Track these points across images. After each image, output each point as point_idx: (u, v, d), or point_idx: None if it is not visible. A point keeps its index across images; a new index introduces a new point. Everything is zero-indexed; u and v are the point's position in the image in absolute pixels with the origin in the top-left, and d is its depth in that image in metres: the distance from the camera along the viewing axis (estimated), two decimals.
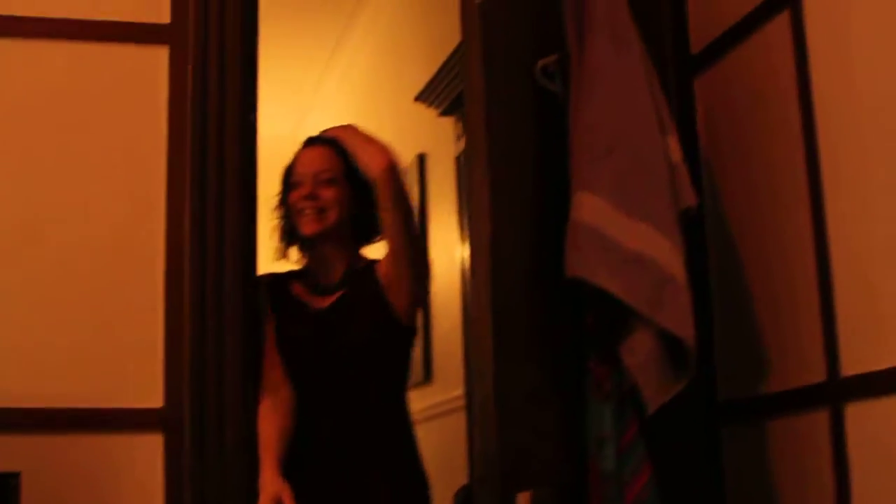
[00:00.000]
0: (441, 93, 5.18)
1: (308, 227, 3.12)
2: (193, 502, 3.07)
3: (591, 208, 2.83)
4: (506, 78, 2.80)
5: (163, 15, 3.45)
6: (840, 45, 2.88)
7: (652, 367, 2.82)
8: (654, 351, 2.83)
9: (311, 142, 3.25)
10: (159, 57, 3.44)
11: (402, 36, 6.13)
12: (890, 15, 2.71)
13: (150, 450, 3.21)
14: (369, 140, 3.12)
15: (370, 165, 3.05)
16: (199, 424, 3.12)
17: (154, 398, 3.29)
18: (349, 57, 7.21)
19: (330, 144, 3.19)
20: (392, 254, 3.05)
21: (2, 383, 3.20)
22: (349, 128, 3.21)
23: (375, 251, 3.19)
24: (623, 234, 2.83)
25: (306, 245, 3.23)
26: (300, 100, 8.08)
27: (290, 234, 3.25)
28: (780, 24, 3.08)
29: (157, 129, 3.38)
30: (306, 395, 3.07)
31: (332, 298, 3.13)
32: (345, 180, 3.15)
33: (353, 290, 3.11)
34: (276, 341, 3.13)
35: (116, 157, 3.37)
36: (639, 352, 2.82)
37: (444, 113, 5.23)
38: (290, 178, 3.20)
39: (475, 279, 2.69)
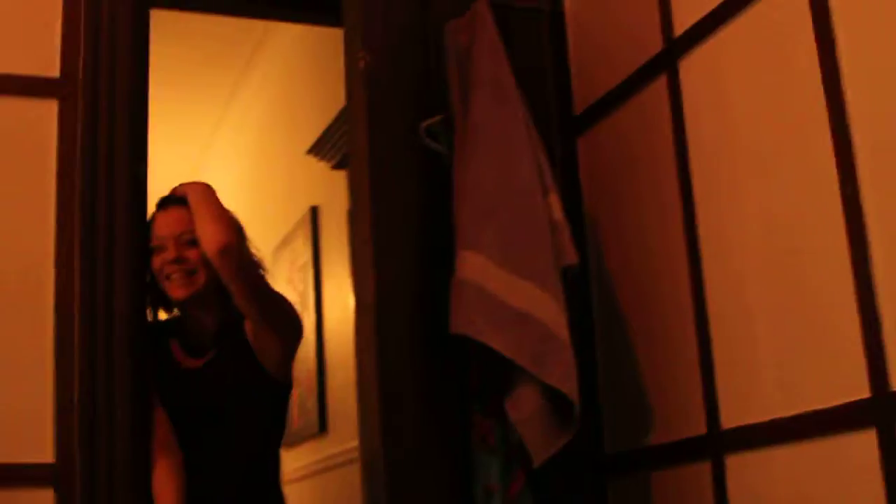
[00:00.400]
0: (333, 146, 5.21)
1: (178, 292, 3.08)
2: None
3: (474, 266, 2.87)
4: (390, 138, 2.83)
5: (53, 68, 3.43)
6: (715, 106, 2.97)
7: (537, 421, 2.87)
8: (539, 405, 2.87)
9: (165, 203, 3.19)
10: (49, 110, 3.42)
11: (294, 90, 6.15)
12: (762, 77, 2.80)
13: None
14: (209, 213, 3.07)
15: (205, 246, 3.01)
16: (90, 480, 3.10)
17: (45, 453, 3.26)
18: (242, 109, 7.22)
19: (181, 204, 3.14)
20: (250, 321, 3.05)
21: None
22: (197, 190, 3.14)
23: None
24: (506, 291, 2.87)
25: (176, 306, 3.20)
26: (194, 152, 8.06)
27: (157, 298, 3.22)
28: (658, 87, 3.17)
29: (45, 182, 3.35)
30: (188, 453, 3.06)
31: (205, 359, 3.13)
32: None
33: (225, 348, 3.11)
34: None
35: (3, 209, 3.35)
36: (524, 407, 2.86)
37: (337, 166, 5.25)
38: (150, 243, 3.14)
39: (359, 337, 2.72)
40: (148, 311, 3.23)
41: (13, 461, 3.24)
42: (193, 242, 3.06)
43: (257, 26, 6.31)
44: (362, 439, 2.72)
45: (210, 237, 2.99)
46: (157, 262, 3.11)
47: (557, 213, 3.06)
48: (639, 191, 3.28)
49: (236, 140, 7.44)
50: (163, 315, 3.30)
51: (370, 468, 2.70)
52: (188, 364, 3.14)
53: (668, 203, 3.10)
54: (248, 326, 3.07)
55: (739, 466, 2.85)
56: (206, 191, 3.14)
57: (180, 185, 3.22)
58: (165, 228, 3.12)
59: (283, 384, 3.13)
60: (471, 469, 2.91)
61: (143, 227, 3.24)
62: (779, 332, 2.72)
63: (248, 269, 3.06)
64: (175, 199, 3.18)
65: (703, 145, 3.00)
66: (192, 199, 3.11)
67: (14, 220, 3.35)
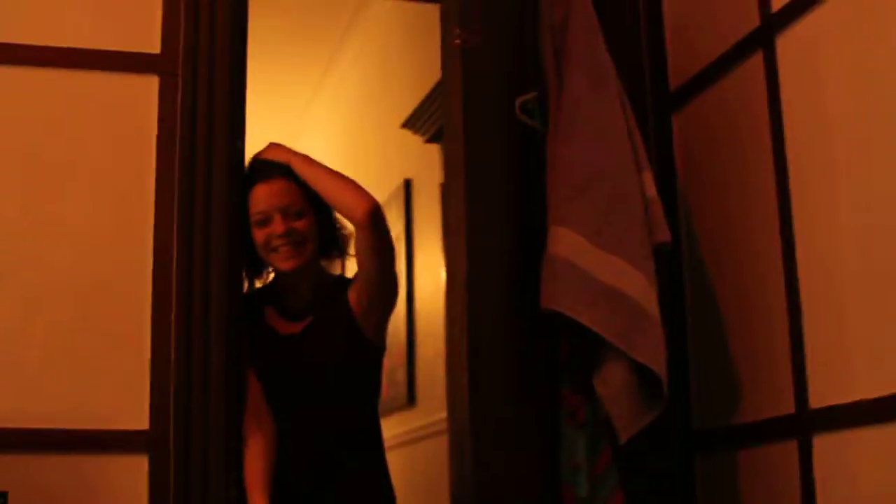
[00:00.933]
0: (427, 120, 5.24)
1: (287, 264, 3.08)
2: None
3: (566, 242, 2.88)
4: (484, 114, 2.84)
5: (153, 45, 3.49)
6: (811, 84, 2.95)
7: (624, 397, 2.88)
8: (627, 382, 2.88)
9: (264, 175, 3.16)
10: (149, 86, 3.47)
11: (389, 63, 6.18)
12: (859, 55, 2.78)
13: (135, 471, 3.24)
14: (336, 179, 3.10)
15: (353, 211, 3.02)
16: (184, 447, 3.16)
17: (140, 420, 3.32)
18: (338, 82, 7.26)
19: (284, 175, 3.13)
20: (369, 288, 3.06)
21: None
22: (298, 158, 3.15)
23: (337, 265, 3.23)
24: (598, 268, 2.88)
25: (276, 274, 3.21)
26: (290, 124, 8.12)
27: (253, 268, 3.24)
28: (754, 64, 3.15)
29: (145, 157, 3.41)
30: (281, 420, 3.10)
31: (303, 324, 3.14)
32: (308, 207, 3.10)
33: (323, 313, 3.12)
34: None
35: (105, 184, 3.40)
36: (612, 383, 2.87)
37: (430, 140, 5.28)
38: (249, 215, 3.14)
39: (450, 311, 2.75)
40: (243, 281, 3.24)
41: (109, 427, 3.32)
42: (300, 214, 3.07)
43: None
44: (450, 412, 2.75)
45: (354, 204, 3.02)
46: (261, 235, 3.10)
47: (651, 190, 3.06)
48: (733, 169, 3.26)
49: (331, 112, 7.50)
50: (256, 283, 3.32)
51: (458, 441, 2.73)
52: (285, 330, 3.16)
53: (763, 182, 3.09)
54: (356, 288, 3.08)
55: (827, 446, 2.85)
56: (306, 157, 3.15)
57: (266, 151, 3.23)
58: (270, 200, 3.10)
59: (379, 347, 3.13)
60: (558, 445, 2.93)
61: (241, 201, 3.28)
62: (870, 313, 2.71)
63: (388, 237, 3.06)
64: (275, 170, 3.16)
65: (799, 124, 2.99)
66: (303, 169, 3.12)
67: (114, 193, 3.42)
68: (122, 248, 3.39)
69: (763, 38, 3.12)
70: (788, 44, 3.04)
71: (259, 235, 3.11)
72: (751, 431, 3.14)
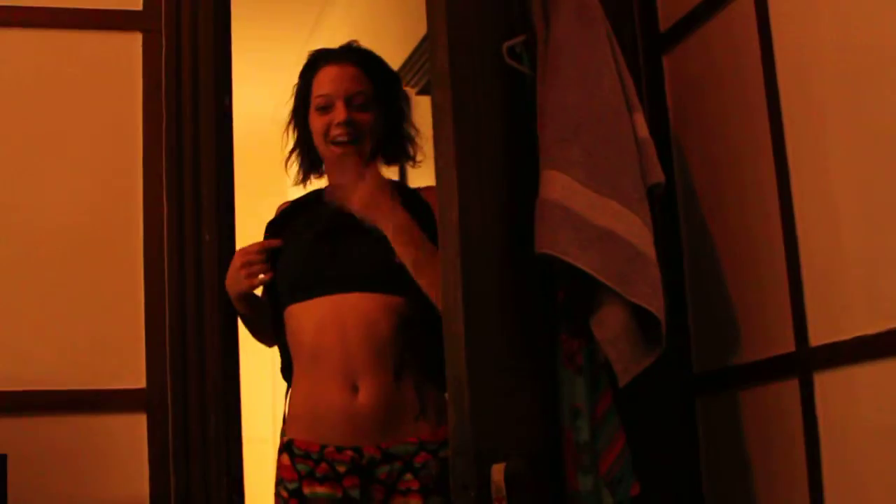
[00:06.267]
0: (417, 72, 5.21)
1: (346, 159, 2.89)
2: (178, 481, 3.12)
3: (559, 186, 2.86)
4: (471, 60, 2.81)
5: (135, 2, 3.47)
6: (803, 21, 2.91)
7: (623, 340, 2.86)
8: (625, 325, 2.87)
9: (336, 58, 2.97)
10: (133, 43, 3.46)
11: (379, 15, 6.15)
12: None
13: (134, 430, 3.26)
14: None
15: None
16: (182, 404, 3.17)
17: (137, 379, 3.33)
18: (327, 37, 7.22)
19: (357, 62, 2.94)
20: None
21: None
22: (398, 222, 2.86)
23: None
24: (592, 210, 2.86)
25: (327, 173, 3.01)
26: (280, 82, 8.06)
27: (310, 160, 3.04)
28: (744, 2, 3.12)
29: (132, 115, 3.41)
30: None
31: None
32: (376, 104, 2.93)
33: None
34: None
35: (92, 143, 3.40)
36: (609, 326, 2.86)
37: (421, 92, 5.25)
38: (310, 97, 2.93)
39: (444, 258, 2.73)
40: (298, 177, 3.09)
41: (106, 387, 3.32)
42: (365, 107, 2.89)
43: None
44: (448, 360, 2.74)
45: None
46: (321, 122, 2.90)
47: (643, 131, 3.04)
48: (726, 108, 3.24)
49: None
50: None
51: (455, 389, 2.71)
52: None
53: (756, 120, 3.06)
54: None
55: (828, 384, 2.84)
56: (410, 226, 2.88)
57: (364, 206, 2.91)
58: (337, 84, 2.92)
59: None
60: (558, 389, 2.93)
61: (229, 152, 3.26)
62: (869, 249, 2.69)
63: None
64: (348, 55, 2.97)
65: (791, 60, 2.96)
66: (402, 243, 2.88)
67: (101, 152, 3.41)
68: (111, 208, 3.39)
69: None
70: None
71: (318, 122, 2.92)
72: (751, 371, 3.14)
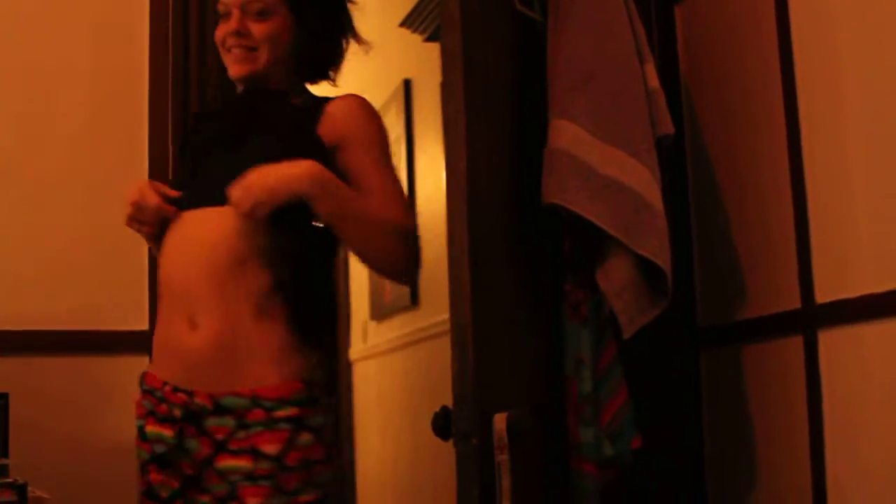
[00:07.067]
0: (426, 18, 5.17)
1: (233, 69, 2.60)
2: None
3: (568, 136, 2.85)
4: (482, 6, 2.78)
5: None
6: None
7: (628, 292, 2.86)
8: (631, 277, 2.86)
9: None
10: None
11: None
12: None
13: (135, 371, 3.25)
14: (375, 225, 2.48)
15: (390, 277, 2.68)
16: None
17: (140, 321, 3.33)
18: None
19: None
20: None
21: None
22: (316, 185, 2.39)
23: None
24: (600, 160, 2.85)
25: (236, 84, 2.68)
26: None
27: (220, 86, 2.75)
28: None
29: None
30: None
31: None
32: (279, 9, 2.58)
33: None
34: None
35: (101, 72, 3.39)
36: (615, 277, 2.85)
37: (430, 38, 5.21)
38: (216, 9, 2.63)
39: (450, 207, 2.71)
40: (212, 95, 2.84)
41: (109, 328, 3.32)
42: (264, 14, 2.56)
43: None
44: (453, 309, 2.73)
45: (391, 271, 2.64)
46: (219, 31, 2.61)
47: (653, 81, 3.02)
48: (737, 60, 3.21)
49: None
50: None
51: (460, 339, 2.71)
52: None
53: (768, 72, 3.04)
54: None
55: (832, 341, 2.84)
56: (335, 186, 2.43)
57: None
58: None
59: None
60: (562, 340, 2.92)
61: None
62: (877, 206, 2.68)
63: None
64: None
65: (804, 10, 2.93)
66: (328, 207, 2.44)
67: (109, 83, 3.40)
68: (117, 148, 3.38)
69: None
70: None
71: (218, 31, 2.62)
72: (756, 327, 3.13)
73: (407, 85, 5.65)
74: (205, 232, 2.45)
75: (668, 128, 3.02)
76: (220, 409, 2.39)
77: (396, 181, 2.57)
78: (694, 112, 3.41)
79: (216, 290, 2.42)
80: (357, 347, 6.73)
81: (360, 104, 2.60)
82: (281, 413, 2.36)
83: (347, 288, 6.92)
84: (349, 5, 2.79)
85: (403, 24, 5.38)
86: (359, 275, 6.63)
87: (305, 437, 2.37)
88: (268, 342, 2.42)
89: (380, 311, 6.11)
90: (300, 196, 2.36)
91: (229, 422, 2.37)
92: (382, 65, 6.06)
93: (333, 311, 2.23)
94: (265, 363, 2.40)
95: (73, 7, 3.42)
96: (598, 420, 2.87)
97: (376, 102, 5.79)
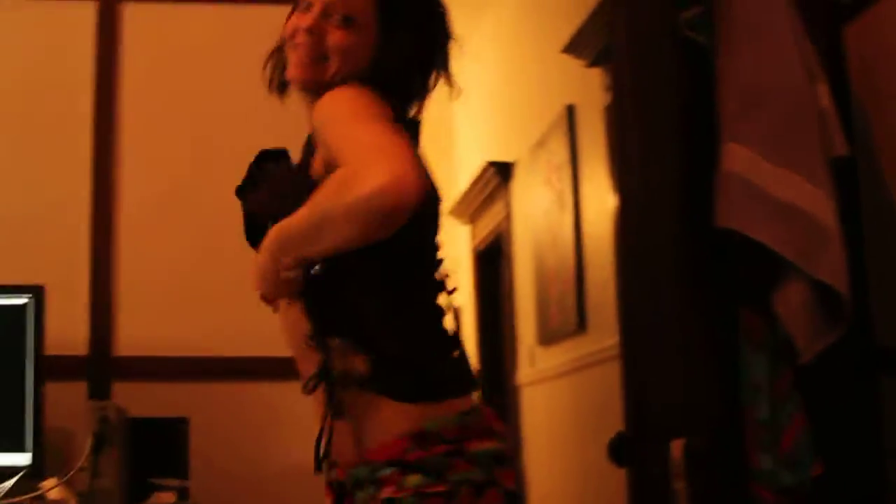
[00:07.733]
0: (588, 44, 5.17)
1: (295, 71, 2.23)
2: None
3: (740, 159, 2.82)
4: (649, 32, 2.79)
5: None
6: None
7: (805, 317, 2.82)
8: (808, 301, 2.82)
9: None
10: None
11: None
12: None
13: (301, 395, 3.32)
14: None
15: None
16: None
17: None
18: (495, 11, 7.23)
19: None
20: None
21: (174, 335, 3.34)
22: None
23: None
24: (773, 184, 2.82)
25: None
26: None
27: (282, 76, 2.36)
28: None
29: None
30: None
31: None
32: (369, 25, 2.19)
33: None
34: None
35: None
36: (792, 302, 2.82)
37: (592, 64, 5.21)
38: None
39: (621, 232, 2.71)
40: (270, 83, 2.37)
41: (279, 355, 3.38)
42: (347, 21, 2.17)
43: None
44: (623, 334, 2.73)
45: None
46: (291, 21, 2.25)
47: (825, 101, 2.97)
48: None
49: (491, 41, 7.46)
50: None
51: (631, 365, 2.71)
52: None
53: None
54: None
55: None
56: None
57: None
58: None
59: None
60: (737, 365, 2.89)
61: None
62: None
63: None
64: None
65: None
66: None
67: None
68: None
69: None
70: None
71: (289, 22, 2.26)
72: None
73: (570, 110, 5.66)
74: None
75: (840, 149, 2.97)
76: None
77: (360, 135, 1.99)
78: (868, 132, 3.34)
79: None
80: (524, 372, 6.73)
81: (321, 102, 2.13)
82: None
83: (513, 312, 6.93)
84: (449, 42, 2.41)
85: (566, 50, 5.39)
86: (524, 300, 6.64)
87: None
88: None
89: (546, 336, 6.11)
90: (271, 264, 2.13)
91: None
92: (545, 92, 6.09)
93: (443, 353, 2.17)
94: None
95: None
96: (776, 446, 2.83)
97: (539, 128, 5.84)
